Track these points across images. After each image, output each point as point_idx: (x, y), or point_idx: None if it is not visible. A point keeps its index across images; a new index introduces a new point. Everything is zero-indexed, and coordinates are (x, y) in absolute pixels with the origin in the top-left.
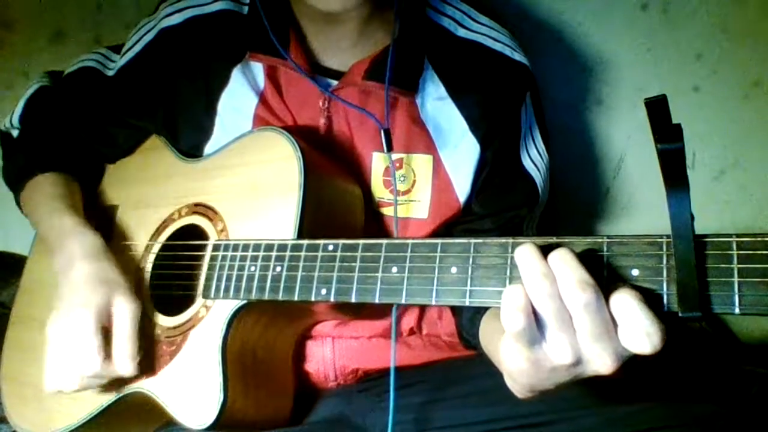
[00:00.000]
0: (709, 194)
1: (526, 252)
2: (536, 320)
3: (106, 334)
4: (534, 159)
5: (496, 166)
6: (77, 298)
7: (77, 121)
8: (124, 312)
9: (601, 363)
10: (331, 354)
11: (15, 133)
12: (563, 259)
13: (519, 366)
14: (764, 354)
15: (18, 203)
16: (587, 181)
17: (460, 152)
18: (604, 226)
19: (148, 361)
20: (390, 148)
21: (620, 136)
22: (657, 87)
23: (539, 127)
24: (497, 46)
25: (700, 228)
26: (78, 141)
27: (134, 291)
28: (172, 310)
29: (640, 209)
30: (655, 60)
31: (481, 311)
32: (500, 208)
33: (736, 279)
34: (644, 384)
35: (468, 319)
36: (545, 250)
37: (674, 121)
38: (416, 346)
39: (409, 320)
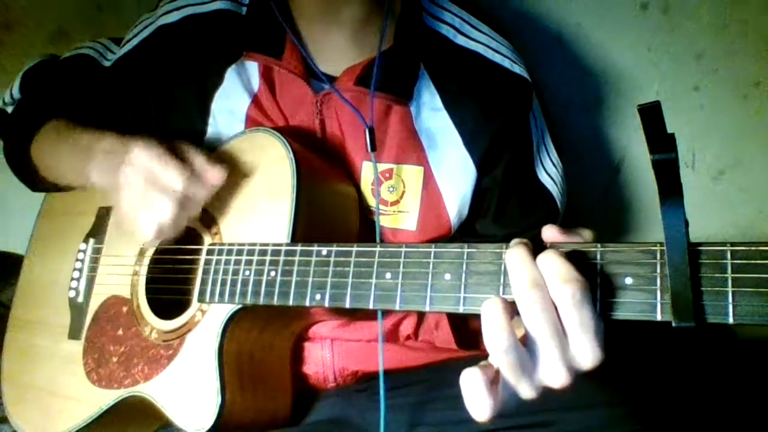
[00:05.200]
0: (709, 194)
1: (515, 256)
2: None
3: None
4: (549, 171)
5: (513, 185)
6: (134, 149)
7: (71, 101)
8: (181, 144)
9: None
10: (331, 356)
11: (10, 109)
12: (550, 260)
13: None
14: (764, 354)
15: (24, 173)
16: (587, 181)
17: (452, 166)
18: (603, 226)
19: (147, 364)
20: (374, 148)
21: (620, 135)
22: (657, 87)
23: (550, 134)
24: (497, 58)
25: (699, 228)
26: (75, 112)
27: None
28: (169, 313)
29: (639, 209)
30: (655, 60)
31: None
32: (522, 227)
33: (730, 288)
34: (645, 383)
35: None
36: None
37: (675, 121)
38: (414, 349)
39: (407, 327)
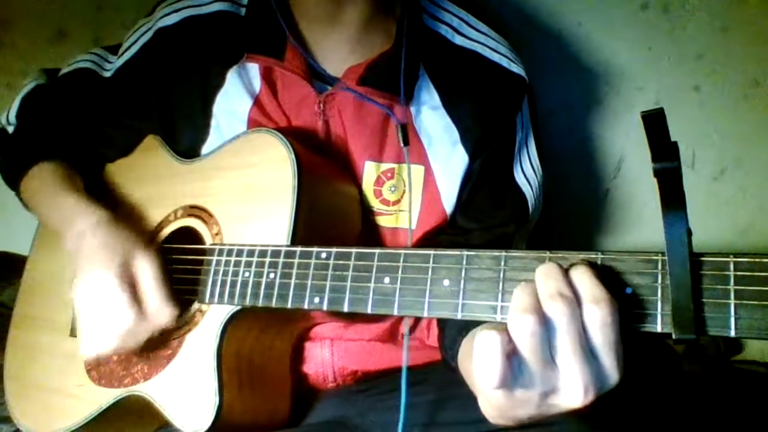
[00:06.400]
0: (709, 194)
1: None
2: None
3: (133, 290)
4: (527, 174)
5: (487, 178)
6: (96, 263)
7: (74, 121)
8: (146, 265)
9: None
10: (330, 355)
11: (11, 129)
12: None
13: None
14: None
15: (19, 197)
16: (587, 181)
17: (451, 163)
18: (603, 226)
19: (146, 364)
20: (407, 143)
21: (620, 135)
22: (657, 87)
23: (535, 141)
24: (495, 57)
25: (699, 228)
26: (75, 138)
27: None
28: None
29: (639, 209)
30: (655, 60)
31: (462, 333)
32: (489, 224)
33: (732, 301)
34: (645, 385)
35: (451, 339)
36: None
37: (674, 121)
38: (413, 348)
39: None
